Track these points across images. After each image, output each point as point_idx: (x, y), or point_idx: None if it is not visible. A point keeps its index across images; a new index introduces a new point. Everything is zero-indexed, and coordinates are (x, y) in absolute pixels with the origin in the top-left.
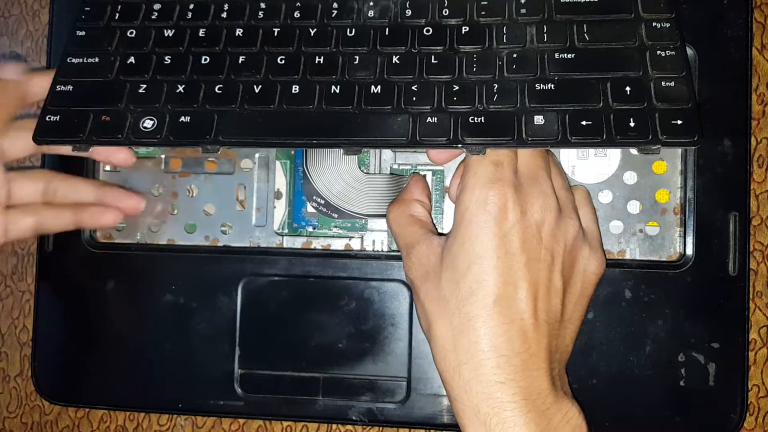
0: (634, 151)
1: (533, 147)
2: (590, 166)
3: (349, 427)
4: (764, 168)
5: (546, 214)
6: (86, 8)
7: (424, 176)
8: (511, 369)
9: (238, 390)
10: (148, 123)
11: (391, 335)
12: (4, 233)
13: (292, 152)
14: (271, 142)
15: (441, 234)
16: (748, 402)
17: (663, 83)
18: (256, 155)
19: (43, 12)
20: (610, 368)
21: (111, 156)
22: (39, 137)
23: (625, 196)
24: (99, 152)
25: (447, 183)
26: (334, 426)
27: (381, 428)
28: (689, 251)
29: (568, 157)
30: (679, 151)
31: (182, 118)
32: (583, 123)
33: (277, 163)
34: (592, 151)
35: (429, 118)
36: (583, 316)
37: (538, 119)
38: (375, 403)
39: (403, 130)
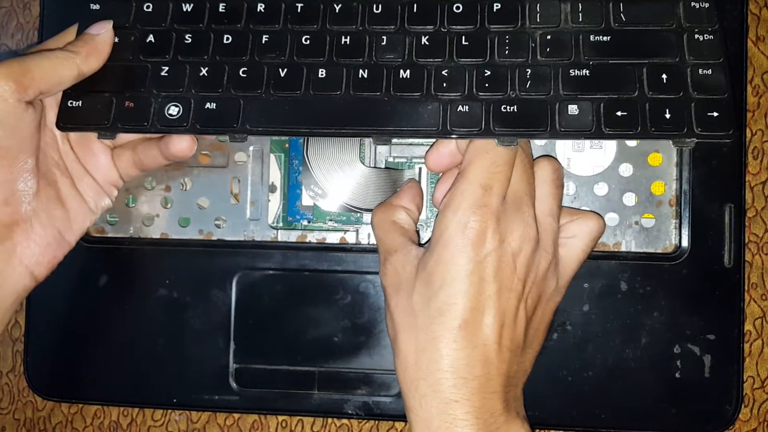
0: (631, 143)
1: (566, 138)
2: (586, 158)
3: (345, 421)
4: (759, 160)
5: (524, 245)
6: None
7: (419, 170)
8: (467, 390)
9: (233, 384)
10: (174, 110)
11: (387, 329)
12: (118, 175)
13: (287, 145)
14: (300, 131)
15: (421, 245)
16: (744, 393)
17: (700, 71)
18: (251, 148)
19: (33, 4)
20: (605, 360)
21: (171, 145)
22: (62, 123)
23: (621, 188)
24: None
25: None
26: (330, 420)
27: (377, 422)
28: (684, 243)
29: (564, 149)
30: None
31: (208, 105)
32: (618, 114)
33: (272, 156)
34: (587, 142)
35: (460, 106)
36: (543, 340)
37: (572, 109)
38: (371, 397)
39: (433, 119)
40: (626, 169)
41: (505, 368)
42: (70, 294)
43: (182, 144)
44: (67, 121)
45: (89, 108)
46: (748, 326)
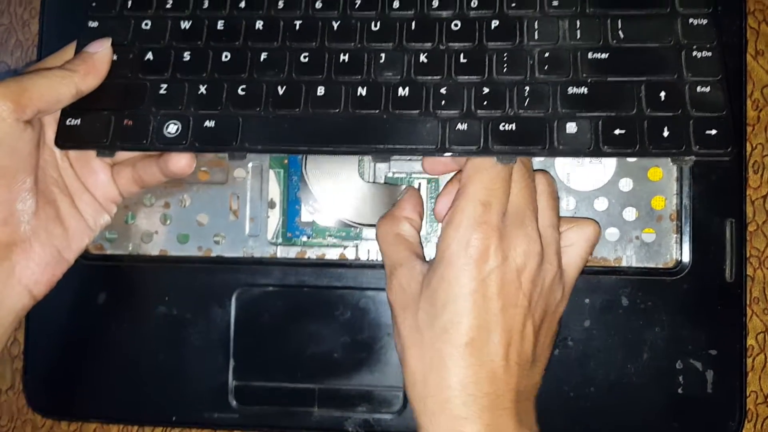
0: (631, 159)
1: (565, 156)
2: (585, 173)
3: None
4: (759, 174)
5: (528, 260)
6: None
7: (419, 185)
8: (477, 407)
9: (233, 402)
10: (173, 128)
11: (387, 345)
12: (118, 192)
13: (286, 161)
14: (299, 149)
15: (425, 261)
16: (747, 409)
17: (698, 88)
18: (249, 164)
19: (32, 22)
20: (607, 376)
21: (171, 163)
22: (61, 142)
23: (621, 203)
24: (160, 160)
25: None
26: None
27: None
28: (686, 258)
29: (563, 164)
30: None
31: (207, 123)
32: (617, 132)
33: (271, 172)
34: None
35: (459, 124)
36: (551, 351)
37: (571, 127)
38: (371, 414)
39: (432, 136)
40: (626, 184)
41: (515, 383)
42: (70, 311)
43: (181, 162)
44: (66, 139)
45: (88, 126)
46: (750, 341)
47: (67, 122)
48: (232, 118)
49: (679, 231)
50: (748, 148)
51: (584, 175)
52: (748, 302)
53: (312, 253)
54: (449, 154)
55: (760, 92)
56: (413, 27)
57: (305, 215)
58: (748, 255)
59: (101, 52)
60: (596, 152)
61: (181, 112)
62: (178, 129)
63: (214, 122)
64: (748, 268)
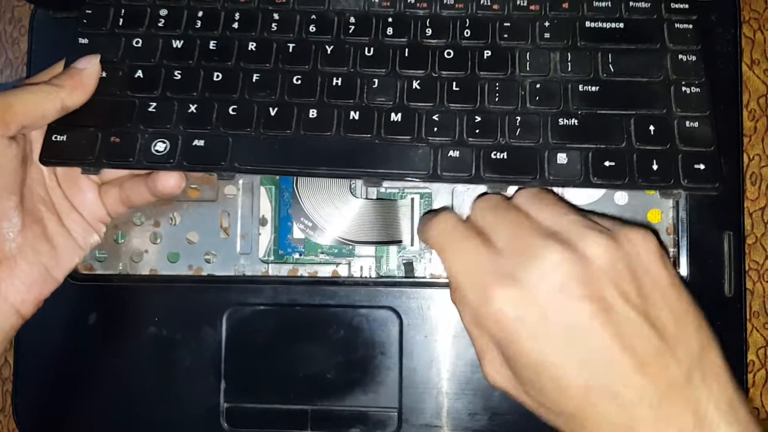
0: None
1: (555, 186)
2: None
3: None
4: (757, 185)
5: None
6: (88, 11)
7: (412, 201)
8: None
9: (224, 425)
10: (160, 146)
11: (381, 364)
12: (105, 211)
13: (278, 177)
14: (289, 170)
15: None
16: None
17: (687, 123)
18: (240, 181)
19: (22, 40)
20: None
21: (159, 182)
22: (45, 158)
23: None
24: (150, 179)
25: (435, 206)
26: None
27: None
28: (683, 272)
29: None
30: None
31: (196, 142)
32: (606, 164)
33: (262, 188)
34: None
35: (451, 151)
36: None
37: (561, 158)
38: None
39: (424, 163)
40: (621, 197)
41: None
42: (60, 332)
43: (170, 182)
44: (51, 155)
45: (74, 143)
46: (751, 356)
47: (53, 138)
48: (222, 138)
49: (677, 245)
50: (745, 160)
51: (579, 189)
52: (747, 317)
53: (304, 271)
54: (449, 181)
55: (756, 102)
56: (406, 54)
57: (297, 232)
58: (747, 268)
59: (89, 68)
60: (586, 183)
61: (170, 130)
62: (166, 147)
63: (203, 141)
64: (748, 282)
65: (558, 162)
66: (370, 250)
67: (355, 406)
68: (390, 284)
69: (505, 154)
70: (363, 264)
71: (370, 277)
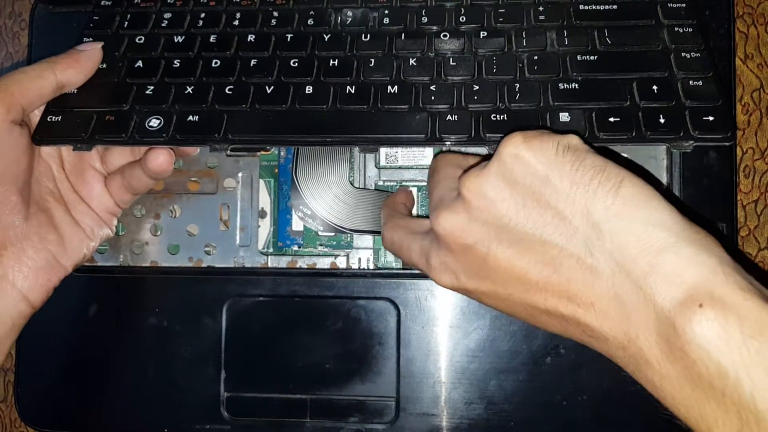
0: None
1: None
2: None
3: None
4: (750, 178)
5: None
6: (95, 17)
7: (410, 191)
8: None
9: (225, 414)
10: (154, 122)
11: (379, 354)
12: (113, 202)
13: (276, 170)
14: (284, 140)
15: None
16: None
17: (690, 82)
18: (239, 174)
19: (22, 34)
20: (600, 384)
21: (149, 161)
22: (38, 137)
23: None
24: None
25: None
26: None
27: None
28: None
29: None
30: (664, 162)
31: (190, 117)
32: (611, 120)
33: (261, 181)
34: None
35: (449, 115)
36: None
37: (564, 116)
38: (364, 424)
39: (421, 127)
40: None
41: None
42: (61, 323)
43: (159, 158)
44: (44, 134)
45: (68, 122)
46: None
47: (48, 119)
48: (217, 113)
49: None
50: (739, 153)
51: None
52: None
53: (303, 263)
54: (448, 142)
55: (749, 96)
56: (403, 37)
57: (296, 224)
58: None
59: (89, 50)
60: (592, 139)
61: (165, 109)
62: (160, 123)
63: (198, 117)
64: None
65: (561, 120)
66: (369, 242)
67: (354, 396)
68: (388, 276)
69: (505, 116)
70: (361, 256)
71: (369, 268)
